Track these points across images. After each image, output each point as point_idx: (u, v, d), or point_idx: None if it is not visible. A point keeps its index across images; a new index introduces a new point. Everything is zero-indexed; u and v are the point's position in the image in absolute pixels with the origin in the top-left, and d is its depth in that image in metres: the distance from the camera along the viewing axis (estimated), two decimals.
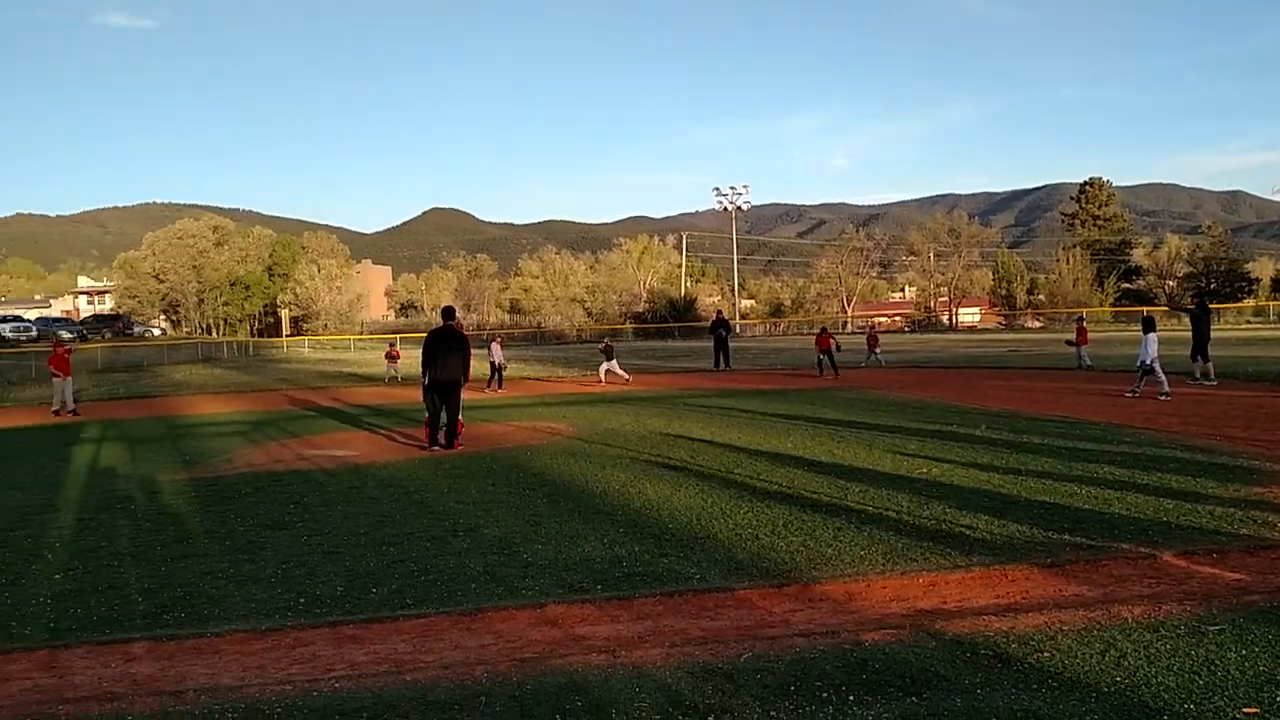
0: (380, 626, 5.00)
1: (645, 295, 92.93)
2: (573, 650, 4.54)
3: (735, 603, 5.25)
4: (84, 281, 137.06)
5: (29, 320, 66.37)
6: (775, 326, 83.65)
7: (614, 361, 25.50)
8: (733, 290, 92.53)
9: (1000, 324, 77.06)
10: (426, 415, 12.33)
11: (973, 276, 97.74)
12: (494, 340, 26.20)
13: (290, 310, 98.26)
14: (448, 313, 12.80)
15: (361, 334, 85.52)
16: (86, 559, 6.72)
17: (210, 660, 4.56)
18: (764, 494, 8.28)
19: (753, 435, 12.40)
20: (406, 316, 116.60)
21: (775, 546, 6.43)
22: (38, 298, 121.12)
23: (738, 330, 69.22)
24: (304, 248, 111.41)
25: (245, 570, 6.25)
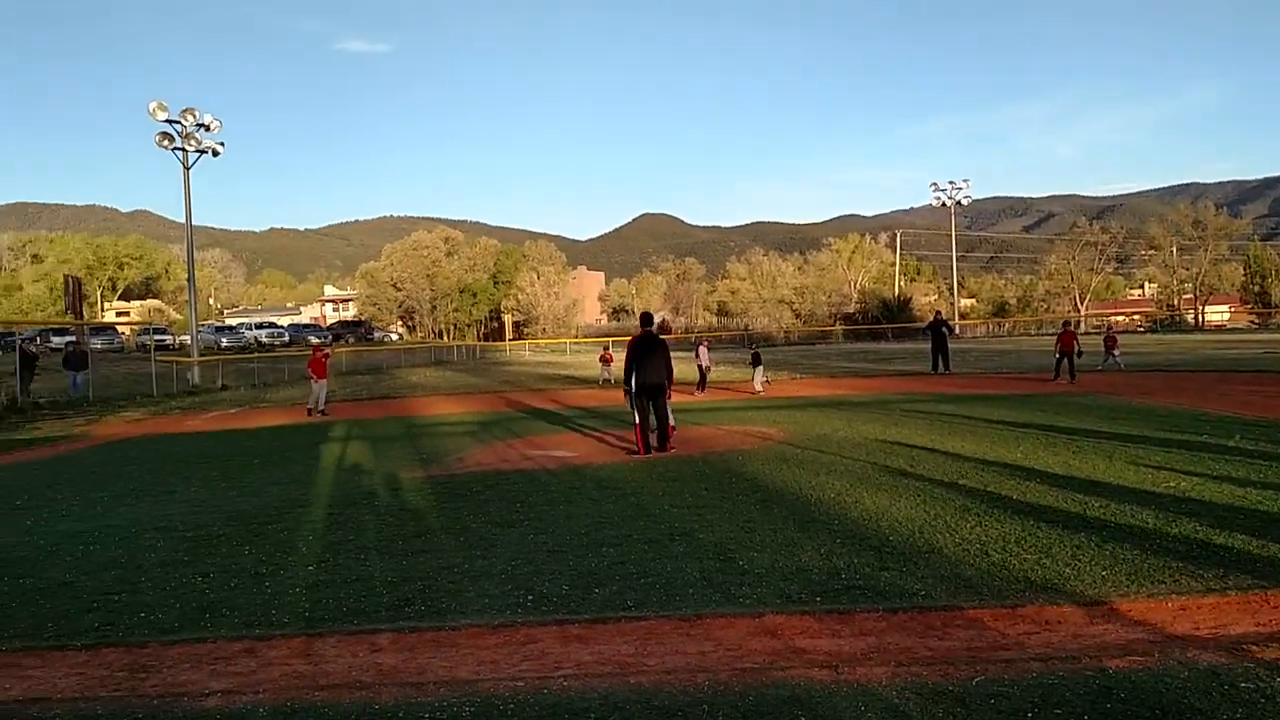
0: (604, 627, 5.14)
1: (856, 296, 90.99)
2: (794, 663, 4.49)
3: (965, 622, 5.03)
4: (330, 290, 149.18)
5: (282, 326, 72.91)
6: (999, 327, 79.70)
7: (760, 368, 24.88)
8: (951, 289, 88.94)
9: (1253, 323, 70.17)
10: (636, 421, 12.57)
11: (1221, 272, 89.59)
12: (701, 343, 26.40)
13: (513, 315, 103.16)
14: (646, 319, 13.05)
15: (577, 337, 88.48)
16: (336, 551, 7.30)
17: (448, 653, 4.84)
18: (992, 507, 7.90)
19: (977, 443, 11.85)
20: (618, 320, 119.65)
21: (1007, 564, 6.11)
22: (289, 305, 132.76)
23: (957, 331, 66.41)
24: (525, 256, 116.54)
25: (478, 566, 6.60)
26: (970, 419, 14.74)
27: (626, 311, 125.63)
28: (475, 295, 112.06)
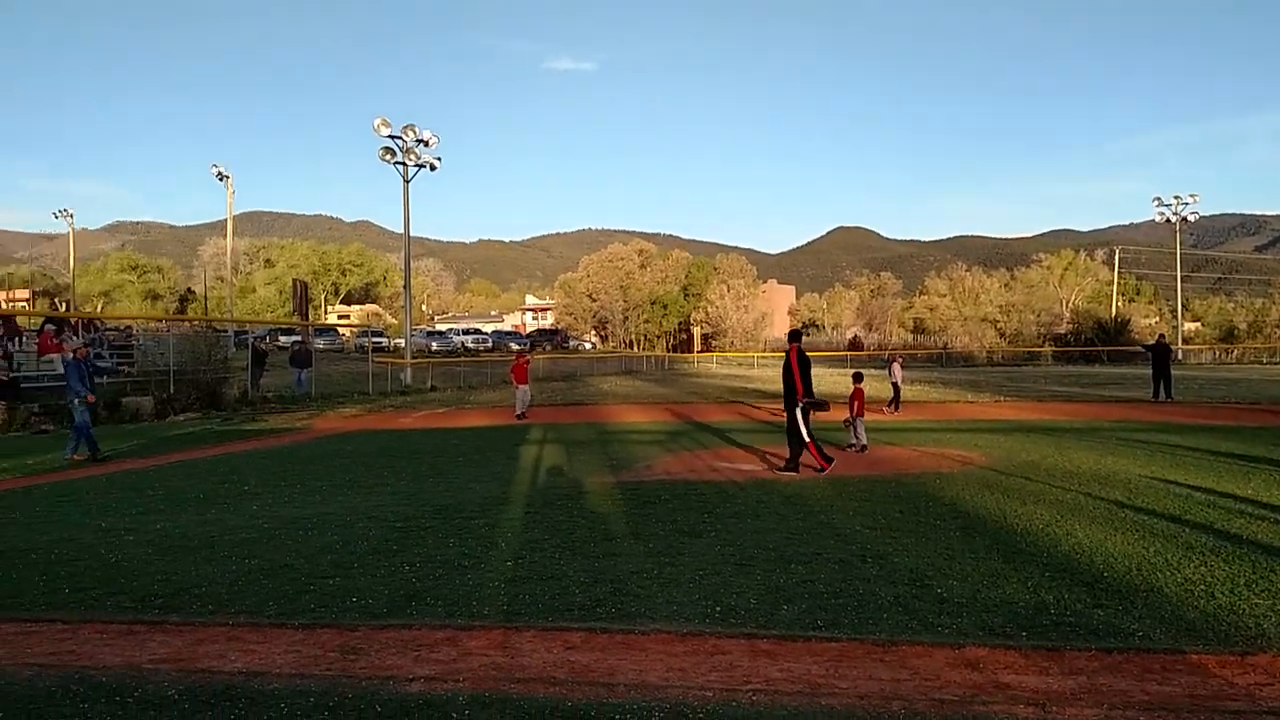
0: (793, 645, 5.05)
1: (1068, 315, 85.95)
2: (996, 698, 4.25)
3: (1186, 668, 4.62)
4: (530, 299, 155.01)
5: (486, 333, 76.33)
6: (1226, 353, 73.26)
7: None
8: (1174, 311, 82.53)
9: None
10: (808, 438, 12.29)
11: None
12: (894, 360, 25.64)
13: (701, 327, 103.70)
14: (795, 335, 12.97)
15: (765, 351, 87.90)
16: (533, 549, 7.52)
17: (638, 657, 4.88)
18: (1219, 545, 7.23)
19: (1203, 477, 10.90)
20: (808, 335, 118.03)
21: (1235, 608, 5.57)
22: (493, 313, 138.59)
23: (1178, 356, 61.51)
24: (715, 269, 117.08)
25: (666, 573, 6.63)
26: (1195, 450, 13.58)
27: (817, 326, 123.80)
28: (666, 307, 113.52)
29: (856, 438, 14.39)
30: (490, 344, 66.62)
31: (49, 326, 26.69)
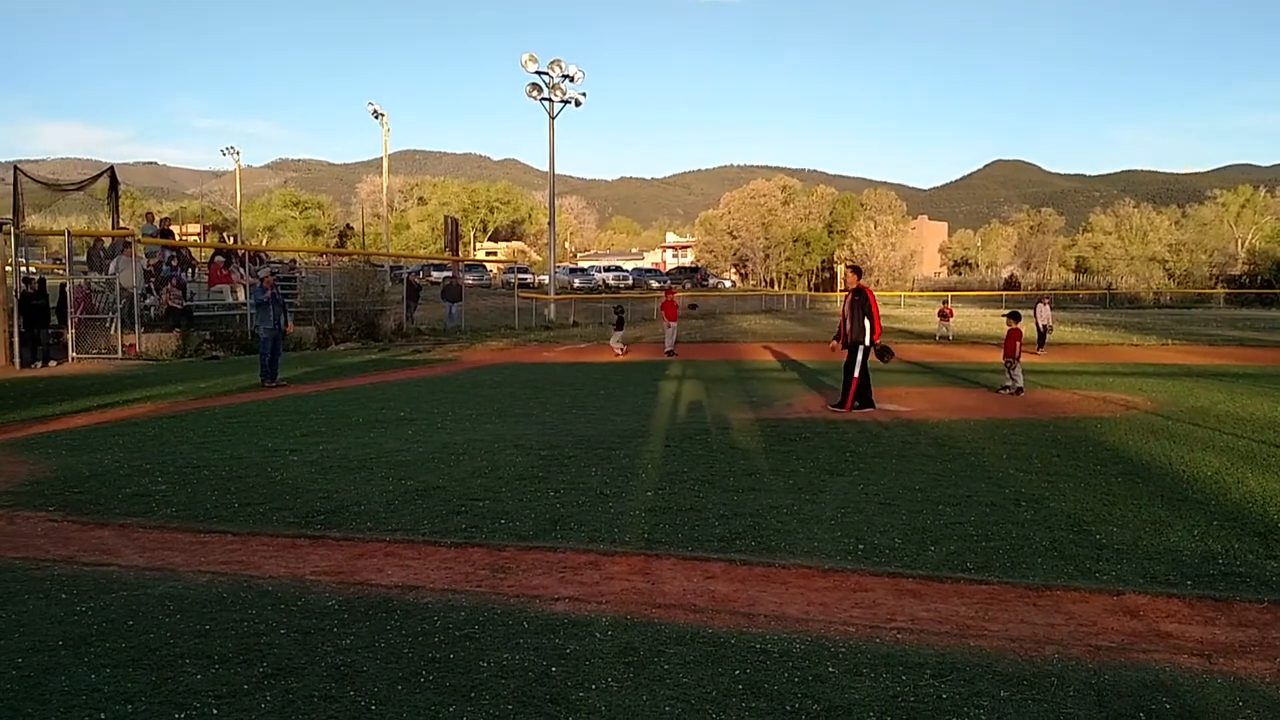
0: (940, 585, 4.91)
1: (1244, 256, 79.90)
2: (1157, 647, 4.03)
3: None
4: (670, 237, 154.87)
5: (626, 270, 76.79)
6: None
7: (621, 333, 23.45)
8: None
9: None
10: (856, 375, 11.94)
11: None
12: (1042, 300, 24.49)
13: (846, 265, 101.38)
14: (856, 270, 12.70)
15: (912, 291, 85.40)
16: (672, 481, 7.58)
17: (778, 590, 4.86)
18: None
19: None
20: (959, 274, 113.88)
21: None
22: (633, 251, 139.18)
23: None
24: (862, 205, 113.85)
25: (807, 510, 6.56)
26: None
27: (969, 265, 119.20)
28: (809, 244, 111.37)
29: (1012, 379, 13.83)
30: (630, 281, 67.02)
31: (218, 258, 28.36)
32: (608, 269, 74.01)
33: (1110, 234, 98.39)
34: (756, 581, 5.00)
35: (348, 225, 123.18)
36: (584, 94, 39.80)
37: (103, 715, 3.40)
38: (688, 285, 71.70)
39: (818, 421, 11.01)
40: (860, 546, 5.64)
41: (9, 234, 19.70)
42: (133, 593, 4.83)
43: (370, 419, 11.40)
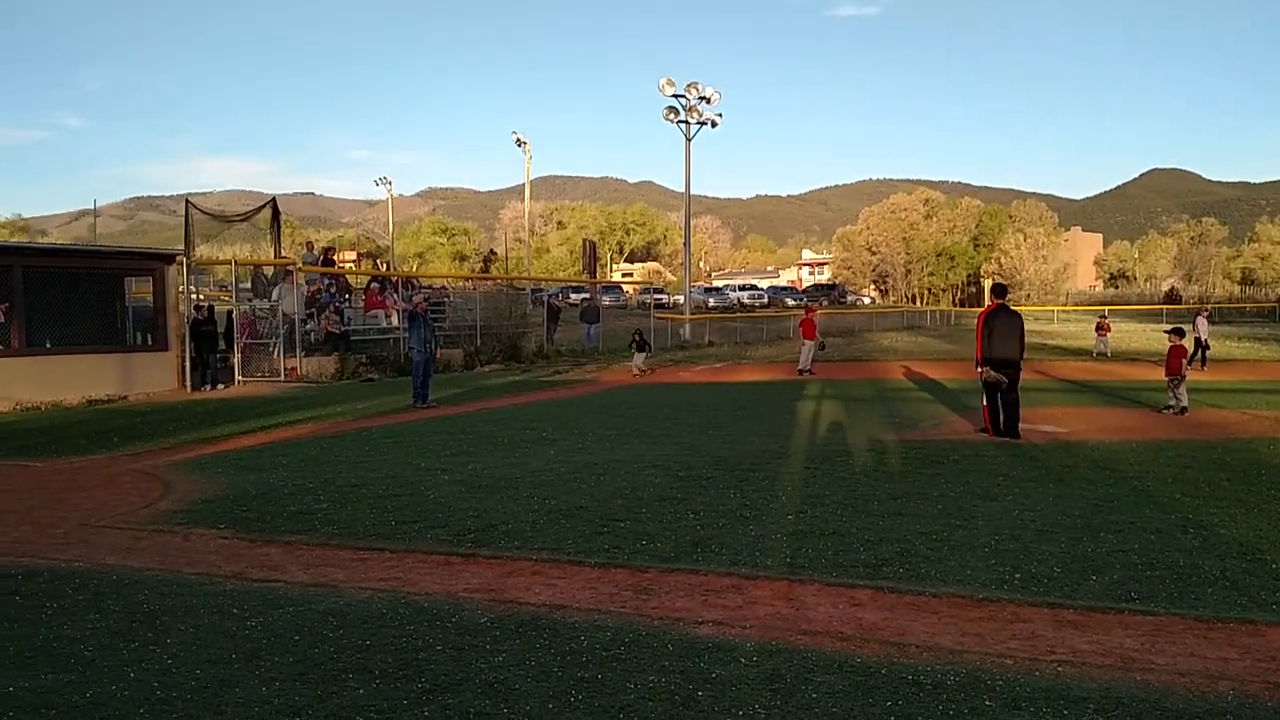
0: (1103, 616, 4.67)
1: None
2: None
3: None
4: (806, 254, 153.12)
5: (761, 289, 76.31)
6: None
7: (643, 355, 22.82)
8: None
9: None
10: (985, 401, 11.35)
11: None
12: (1200, 314, 23.15)
13: (993, 280, 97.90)
14: (1000, 290, 11.98)
15: (1066, 305, 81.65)
16: (814, 504, 7.47)
17: (929, 619, 4.72)
18: None
19: None
20: (1116, 287, 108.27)
21: None
22: (769, 269, 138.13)
23: None
24: (1011, 217, 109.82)
25: (958, 536, 6.35)
26: None
27: (1126, 278, 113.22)
28: (953, 259, 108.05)
29: (1176, 399, 13.06)
30: (766, 300, 66.56)
31: (374, 285, 29.71)
32: (742, 288, 73.76)
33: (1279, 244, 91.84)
34: (906, 610, 4.87)
35: (491, 250, 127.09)
36: (720, 115, 39.90)
37: None
38: (824, 302, 70.70)
39: (967, 444, 10.66)
40: (1016, 575, 5.42)
41: (181, 264, 21.13)
42: (298, 608, 5.09)
43: (515, 439, 11.68)
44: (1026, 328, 11.66)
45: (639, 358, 22.98)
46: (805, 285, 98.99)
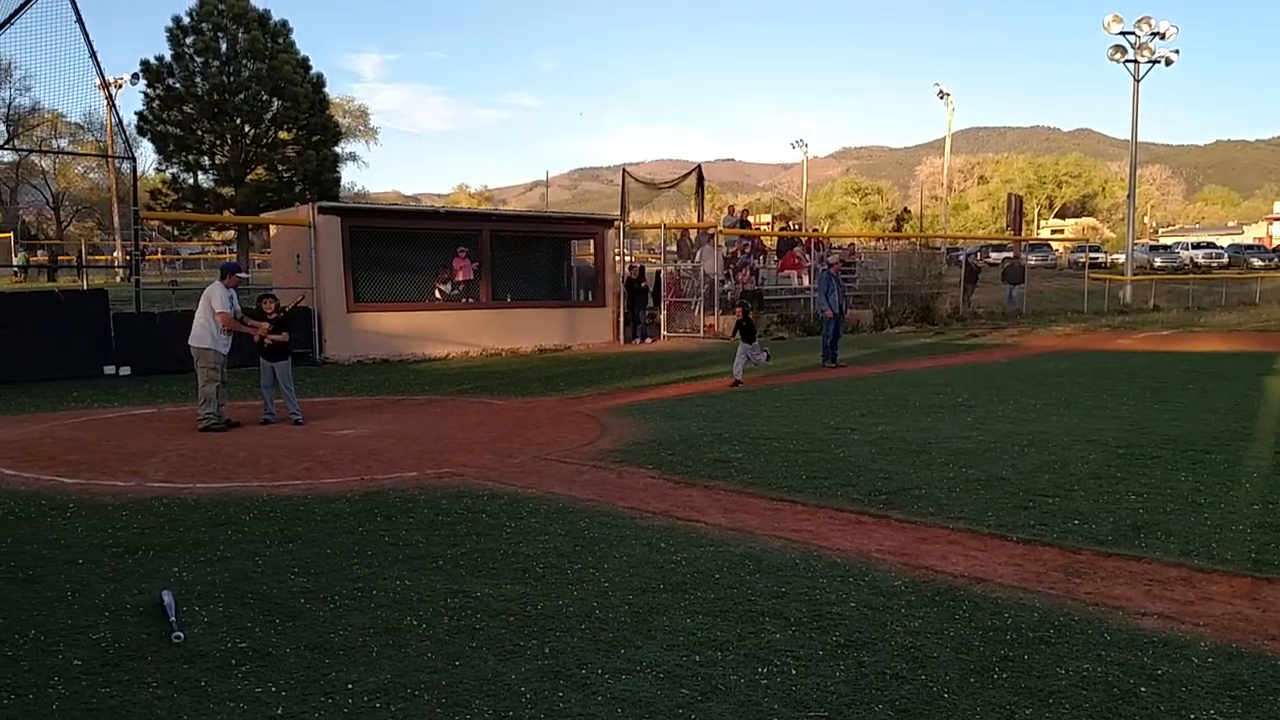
0: None
1: None
2: None
3: None
4: (1278, 208, 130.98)
5: (1221, 247, 66.52)
6: None
7: (754, 349, 14.01)
8: None
9: None
10: None
11: None
12: None
13: None
14: None
15: None
16: None
17: None
18: None
19: None
20: None
21: None
22: (1230, 224, 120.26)
23: None
24: None
25: None
26: None
27: None
28: None
29: None
30: (1225, 260, 57.95)
31: (790, 246, 30.26)
32: (1196, 245, 64.86)
33: None
34: None
35: (905, 209, 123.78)
36: (1176, 51, 35.20)
37: (697, 658, 3.82)
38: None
39: None
40: None
41: (618, 228, 22.96)
42: (718, 549, 5.35)
43: (927, 403, 11.32)
44: None
45: (744, 354, 13.69)
46: (1276, 243, 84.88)
